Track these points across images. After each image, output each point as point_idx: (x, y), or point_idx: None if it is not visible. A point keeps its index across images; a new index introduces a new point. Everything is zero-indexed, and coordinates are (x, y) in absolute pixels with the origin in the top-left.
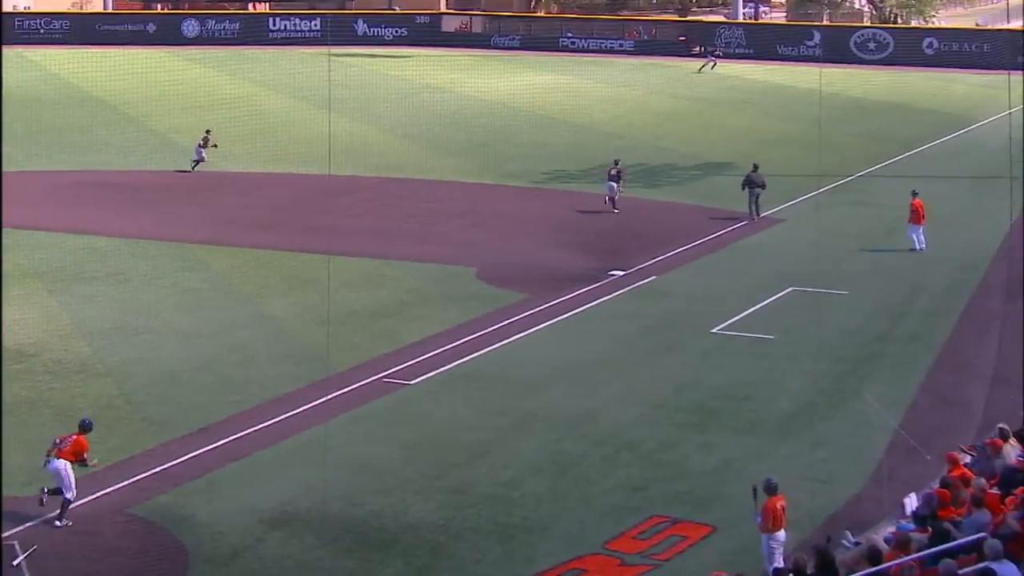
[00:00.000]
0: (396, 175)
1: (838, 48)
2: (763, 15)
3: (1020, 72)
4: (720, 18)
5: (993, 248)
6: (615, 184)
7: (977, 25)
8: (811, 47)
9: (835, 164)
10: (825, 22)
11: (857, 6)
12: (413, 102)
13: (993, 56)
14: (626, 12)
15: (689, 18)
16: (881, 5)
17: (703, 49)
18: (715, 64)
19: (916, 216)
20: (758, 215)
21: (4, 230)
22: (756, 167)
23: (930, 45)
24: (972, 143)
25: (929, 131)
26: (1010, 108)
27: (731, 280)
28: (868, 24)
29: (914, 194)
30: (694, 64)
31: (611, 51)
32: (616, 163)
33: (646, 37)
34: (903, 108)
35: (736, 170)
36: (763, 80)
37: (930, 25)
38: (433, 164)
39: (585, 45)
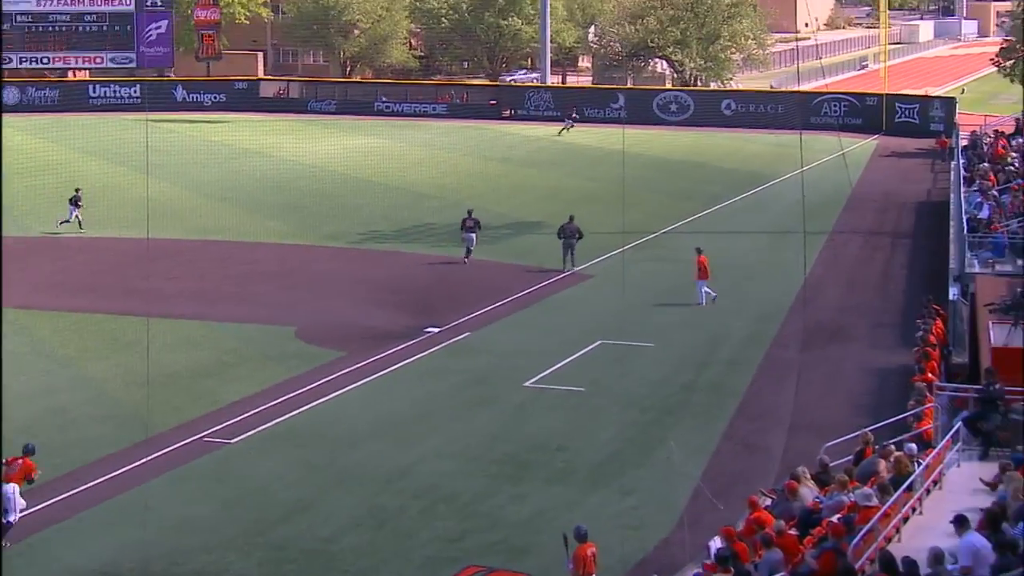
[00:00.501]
0: (215, 238)
1: (642, 110)
2: (570, 79)
3: (811, 132)
4: (530, 82)
5: (789, 299)
6: (473, 236)
7: (771, 87)
8: (616, 109)
9: (640, 221)
10: (629, 85)
11: (659, 70)
12: (231, 166)
13: (786, 117)
14: (439, 77)
15: (499, 82)
16: (681, 69)
17: (563, 115)
18: (572, 126)
19: (702, 272)
20: (573, 266)
21: None
22: (572, 218)
23: (728, 107)
24: (768, 199)
25: (728, 188)
26: (802, 167)
27: (543, 335)
28: (670, 87)
29: (698, 251)
30: (505, 127)
31: (425, 115)
32: (470, 213)
33: (458, 101)
34: (704, 167)
35: (546, 228)
36: (570, 141)
37: (728, 88)
38: (251, 226)
39: (400, 109)
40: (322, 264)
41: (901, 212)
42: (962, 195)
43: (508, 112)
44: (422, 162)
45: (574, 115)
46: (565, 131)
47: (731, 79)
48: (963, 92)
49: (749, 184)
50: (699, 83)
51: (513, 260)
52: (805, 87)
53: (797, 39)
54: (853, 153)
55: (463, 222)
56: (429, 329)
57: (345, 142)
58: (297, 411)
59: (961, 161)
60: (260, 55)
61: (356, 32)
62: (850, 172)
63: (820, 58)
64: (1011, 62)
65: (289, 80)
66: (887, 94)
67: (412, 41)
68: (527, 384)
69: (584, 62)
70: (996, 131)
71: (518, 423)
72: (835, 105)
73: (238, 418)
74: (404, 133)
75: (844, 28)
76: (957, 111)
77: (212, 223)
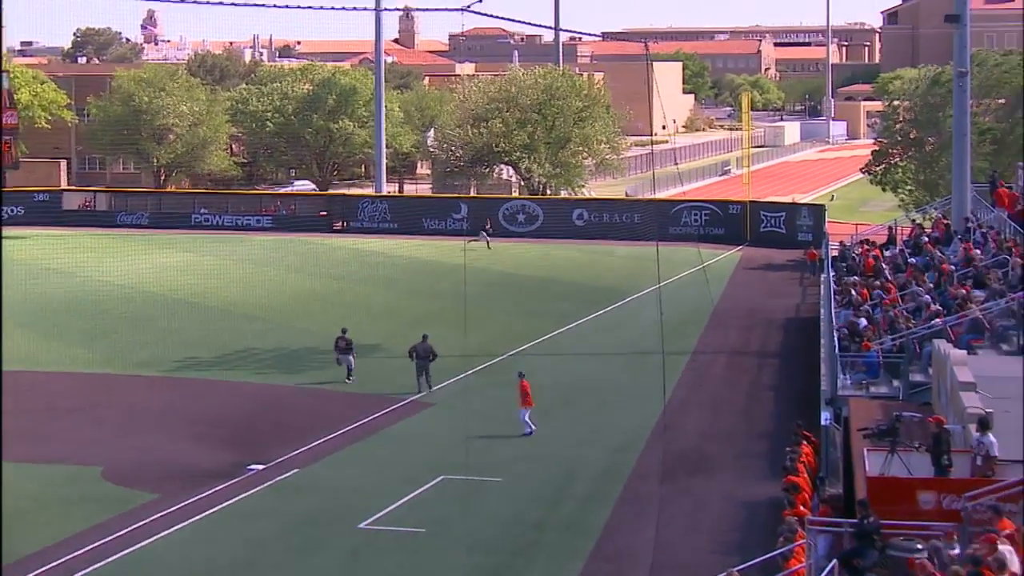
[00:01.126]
0: (10, 368)
1: (486, 221)
2: (408, 188)
3: (669, 243)
4: (364, 191)
5: (649, 427)
6: (350, 357)
7: (626, 195)
8: (458, 220)
9: (484, 343)
10: (472, 194)
11: (505, 176)
12: (30, 287)
13: (642, 227)
14: (263, 186)
15: (330, 191)
16: (529, 176)
17: (480, 228)
18: (486, 239)
19: (524, 398)
20: (430, 387)
21: None
22: (425, 337)
23: (580, 216)
24: (625, 317)
25: (581, 305)
26: (659, 281)
27: (379, 470)
28: (517, 195)
29: (520, 376)
30: (336, 240)
31: (248, 227)
32: (344, 332)
33: (284, 212)
34: (555, 282)
35: (383, 352)
36: (409, 256)
37: (579, 196)
38: (52, 354)
39: (220, 221)
40: (133, 395)
41: (768, 330)
42: (833, 311)
43: (340, 224)
44: (245, 280)
45: (488, 228)
46: (482, 243)
47: (583, 186)
48: (832, 199)
49: (604, 300)
50: (548, 191)
51: (347, 388)
52: (663, 194)
53: (653, 142)
54: (715, 266)
55: (336, 342)
56: (253, 466)
57: (159, 259)
58: (103, 562)
59: (831, 274)
60: (63, 163)
61: (171, 137)
62: (712, 287)
63: (677, 163)
64: (881, 167)
65: (96, 191)
66: (751, 201)
67: (233, 146)
68: (362, 526)
69: (423, 168)
70: (867, 240)
71: (352, 570)
72: (695, 214)
73: (38, 572)
74: (225, 248)
75: (704, 130)
76: (826, 219)
77: (7, 352)
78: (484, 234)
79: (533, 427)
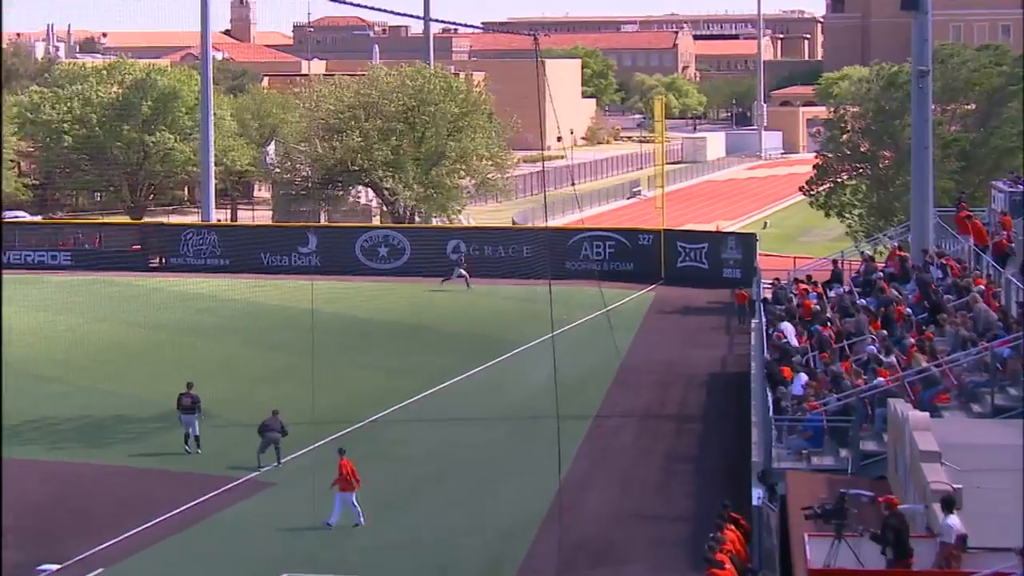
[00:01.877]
0: None
1: (340, 255)
2: (243, 215)
3: (565, 281)
4: (187, 219)
5: (542, 509)
6: (193, 418)
7: (513, 223)
8: (306, 255)
9: (339, 406)
10: (323, 222)
11: (364, 201)
12: None
13: (533, 262)
14: (61, 215)
15: (145, 220)
16: (394, 199)
17: (452, 263)
18: (467, 279)
19: (343, 481)
20: (279, 462)
21: None
22: (275, 412)
23: (456, 249)
24: (512, 374)
25: (458, 359)
26: (552, 330)
27: (206, 567)
28: (378, 224)
29: (341, 452)
30: (153, 280)
31: (41, 266)
32: (189, 387)
33: (88, 247)
34: (426, 330)
35: (215, 419)
36: (245, 299)
37: (456, 224)
38: None
39: (6, 259)
40: None
41: (688, 388)
42: (765, 364)
43: (158, 260)
44: (37, 332)
45: (461, 258)
46: (458, 284)
47: (460, 212)
48: (765, 226)
49: (486, 353)
50: (418, 218)
51: (167, 465)
52: (558, 222)
53: (545, 158)
54: (623, 309)
55: (179, 399)
56: (44, 567)
57: None
58: None
59: (764, 319)
60: None
61: None
62: (619, 335)
63: (575, 183)
64: (825, 187)
65: None
66: (666, 230)
67: (22, 164)
68: None
69: (262, 191)
70: (807, 277)
71: None
72: (598, 246)
73: None
74: (12, 291)
75: (609, 143)
76: (758, 252)
77: None
78: (459, 270)
79: (331, 520)
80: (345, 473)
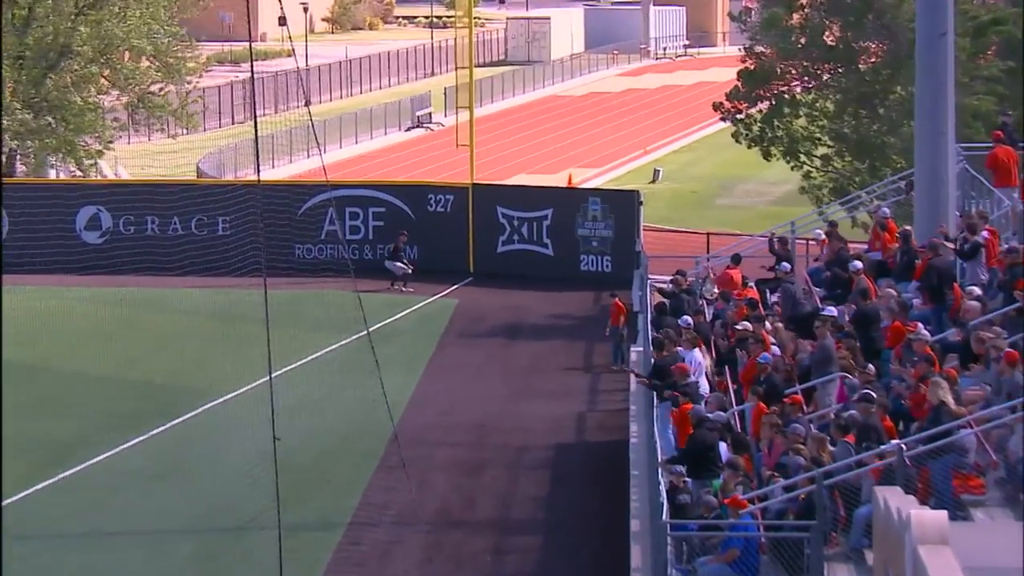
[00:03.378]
0: None
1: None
2: None
3: (288, 279)
4: None
5: None
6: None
7: (200, 175)
8: None
9: None
10: None
11: None
12: None
13: (239, 245)
14: None
15: None
16: None
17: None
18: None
19: None
20: None
21: None
22: None
23: (95, 222)
24: (196, 449)
25: (100, 424)
26: (271, 371)
27: None
28: None
29: None
30: None
31: None
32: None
33: None
34: (42, 373)
35: None
36: None
37: (91, 179)
38: None
39: None
40: None
41: (515, 474)
42: (656, 427)
43: None
44: None
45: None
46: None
47: (100, 157)
48: (656, 178)
49: (148, 413)
50: (22, 168)
51: None
52: (280, 173)
53: (258, 57)
54: (399, 329)
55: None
56: None
57: None
58: None
59: (650, 340)
60: None
61: None
62: (392, 377)
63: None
64: (762, 108)
65: None
66: (477, 186)
67: None
68: None
69: None
70: (734, 269)
71: None
72: (355, 216)
73: None
74: None
75: (375, 28)
76: (642, 225)
77: None
78: (401, 267)
79: None
80: None
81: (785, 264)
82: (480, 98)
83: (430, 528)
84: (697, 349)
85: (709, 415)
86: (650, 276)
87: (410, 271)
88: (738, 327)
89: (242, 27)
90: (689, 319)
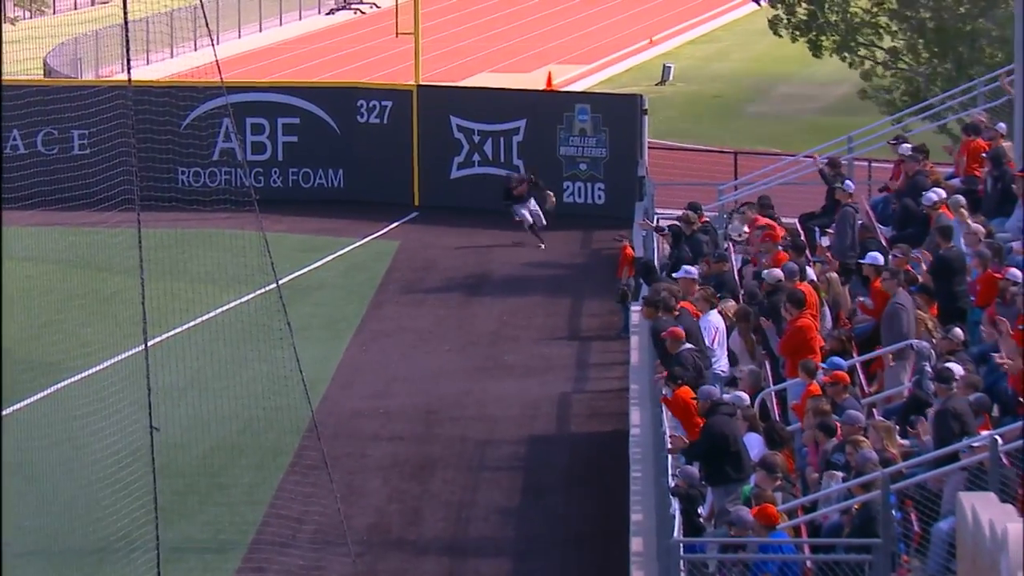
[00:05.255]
0: None
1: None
2: None
3: (168, 218)
4: None
5: None
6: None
7: (50, 73)
8: None
9: None
10: None
11: None
12: None
13: (99, 172)
14: None
15: None
16: None
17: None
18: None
19: None
20: None
21: None
22: None
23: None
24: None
25: None
26: (146, 341)
27: None
28: None
29: None
30: None
31: None
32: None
33: None
34: None
35: None
36: None
37: None
38: None
39: None
40: None
41: (477, 473)
42: (666, 413)
43: None
44: None
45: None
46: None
47: None
48: (665, 78)
49: None
50: None
51: None
52: (156, 71)
53: None
54: (321, 280)
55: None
56: None
57: None
58: None
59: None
60: None
61: None
62: (311, 344)
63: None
64: None
65: None
66: (423, 87)
67: None
68: None
69: None
70: (764, 203)
71: None
72: (259, 128)
73: None
74: None
75: None
76: (646, 142)
77: None
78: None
79: None
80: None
81: (849, 183)
82: None
83: (361, 550)
84: (715, 310)
85: (725, 396)
86: (657, 210)
87: (543, 221)
88: (774, 277)
89: None
90: (692, 269)
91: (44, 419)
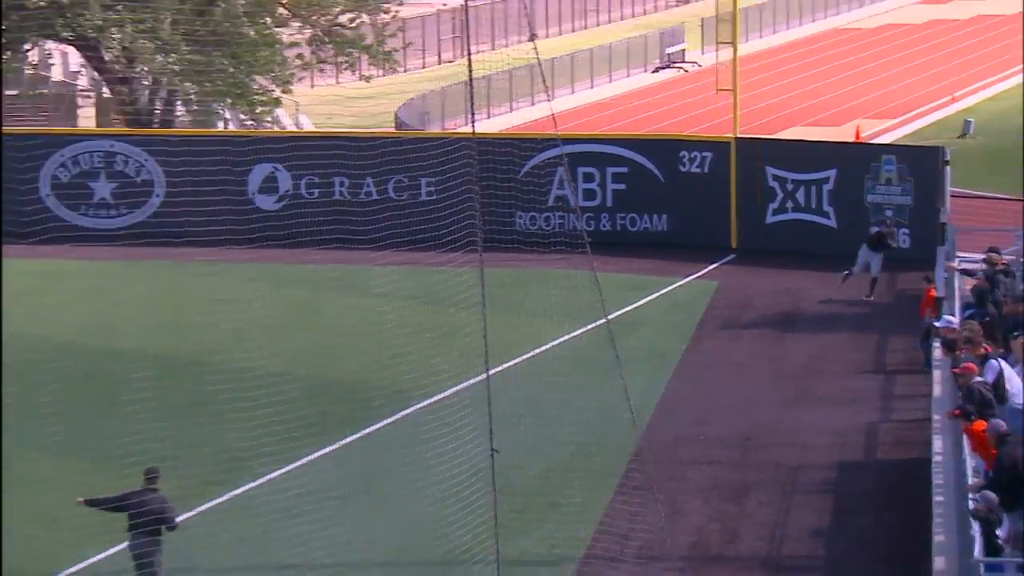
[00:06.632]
0: None
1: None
2: None
3: (503, 256)
4: None
5: None
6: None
7: (400, 127)
8: None
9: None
10: None
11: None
12: None
13: (428, 220)
14: None
15: None
16: (128, 82)
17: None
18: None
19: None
20: None
21: None
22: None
23: (273, 182)
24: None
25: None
26: (487, 369)
27: None
28: (92, 130)
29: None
30: None
31: None
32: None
33: None
34: (208, 368)
35: None
36: None
37: (265, 131)
38: None
39: None
40: None
41: (790, 495)
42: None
43: None
44: None
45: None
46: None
47: (277, 105)
48: (967, 132)
49: (344, 416)
50: (185, 118)
51: None
52: (497, 124)
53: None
54: (645, 315)
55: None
56: None
57: None
58: None
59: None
60: None
61: None
62: (636, 376)
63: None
64: None
65: None
66: (741, 140)
67: None
68: None
69: None
70: None
71: None
72: (591, 172)
73: None
74: None
75: None
76: (948, 190)
77: None
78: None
79: None
80: None
81: None
82: (746, 31)
83: (683, 565)
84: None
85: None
86: (958, 254)
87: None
88: None
89: None
90: (953, 320)
91: (394, 442)
